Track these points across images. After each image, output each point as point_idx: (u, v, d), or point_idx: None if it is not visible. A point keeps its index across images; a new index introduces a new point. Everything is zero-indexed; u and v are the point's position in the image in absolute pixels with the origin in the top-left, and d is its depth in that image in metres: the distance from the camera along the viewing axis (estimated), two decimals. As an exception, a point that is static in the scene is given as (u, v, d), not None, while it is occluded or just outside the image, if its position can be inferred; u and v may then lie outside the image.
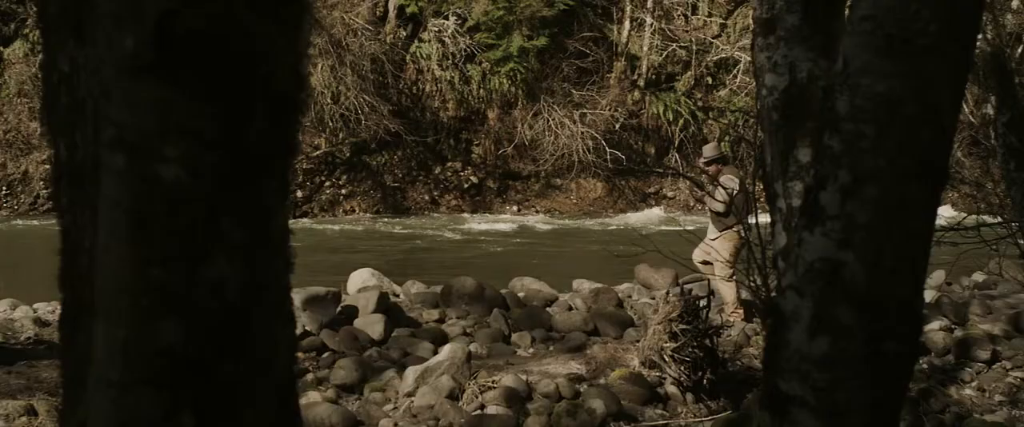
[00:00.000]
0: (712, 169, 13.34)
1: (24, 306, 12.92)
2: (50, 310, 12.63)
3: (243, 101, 1.37)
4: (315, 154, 31.12)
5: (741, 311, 13.13)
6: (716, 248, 13.09)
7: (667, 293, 11.86)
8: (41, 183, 29.25)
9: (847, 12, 2.69)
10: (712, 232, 13.24)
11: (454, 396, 10.16)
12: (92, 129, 2.24)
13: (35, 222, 27.69)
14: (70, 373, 2.33)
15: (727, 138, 34.45)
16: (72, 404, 2.24)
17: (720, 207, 12.91)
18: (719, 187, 13.02)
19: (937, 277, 16.44)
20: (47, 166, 28.31)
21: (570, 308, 13.50)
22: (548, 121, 33.04)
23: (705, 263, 13.54)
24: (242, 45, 1.36)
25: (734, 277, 13.05)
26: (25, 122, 29.91)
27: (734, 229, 12.94)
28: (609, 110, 33.71)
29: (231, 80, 1.36)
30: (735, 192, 13.01)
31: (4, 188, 29.39)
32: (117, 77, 1.40)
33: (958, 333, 13.05)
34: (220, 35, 1.34)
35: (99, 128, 1.95)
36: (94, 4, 1.96)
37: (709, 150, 13.78)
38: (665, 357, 10.75)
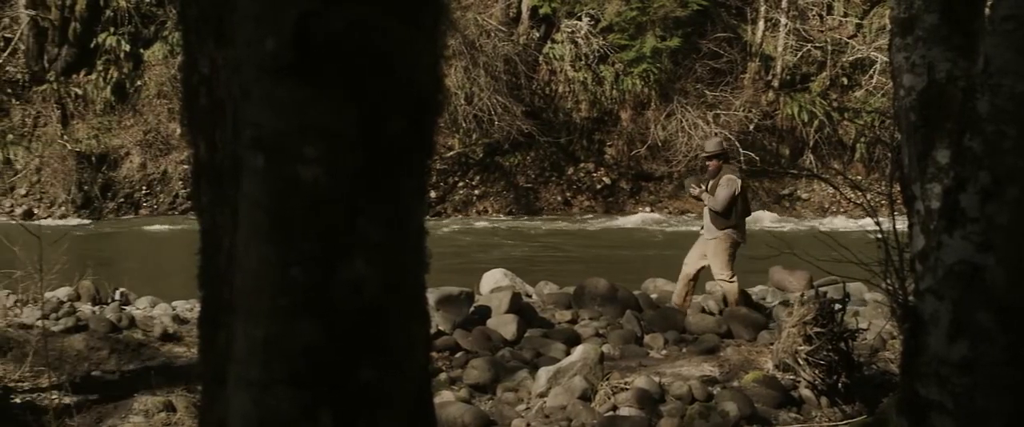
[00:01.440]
0: (712, 165, 13.16)
1: (163, 303, 13.23)
2: (188, 308, 12.90)
3: (381, 102, 1.39)
4: (449, 155, 31.34)
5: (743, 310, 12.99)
6: (713, 249, 12.94)
7: (802, 296, 11.70)
8: (180, 183, 29.90)
9: (987, 11, 2.63)
10: (710, 231, 13.04)
11: (586, 397, 10.15)
12: (231, 130, 2.29)
13: (174, 222, 28.30)
14: (209, 371, 2.38)
15: (863, 140, 33.86)
16: (211, 401, 2.29)
17: (720, 206, 12.76)
18: (721, 186, 12.84)
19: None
20: (186, 166, 28.95)
21: (703, 310, 13.39)
22: (681, 122, 32.83)
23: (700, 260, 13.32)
24: (381, 47, 1.37)
25: (734, 277, 12.93)
26: (164, 123, 30.62)
27: (729, 230, 12.82)
28: (742, 111, 33.39)
29: (369, 81, 1.38)
30: (737, 192, 12.85)
31: (144, 188, 30.10)
32: (257, 78, 1.43)
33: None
34: (359, 37, 1.36)
35: (239, 129, 1.99)
36: (235, 6, 2.00)
37: (711, 145, 13.62)
38: (799, 360, 10.60)
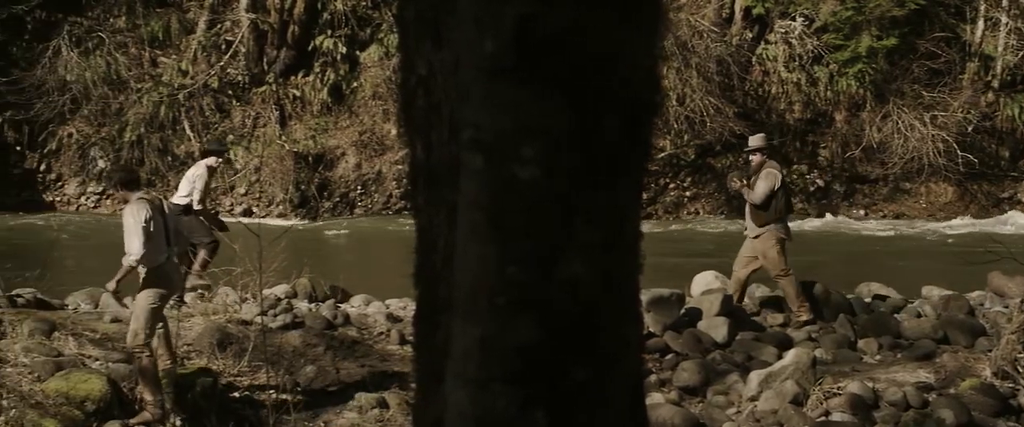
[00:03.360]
0: (756, 159, 12.81)
1: (377, 302, 13.50)
2: (401, 306, 13.15)
3: (599, 103, 1.39)
4: (660, 156, 31.21)
5: (806, 305, 12.54)
6: (760, 248, 12.60)
7: (1022, 302, 11.28)
8: (394, 183, 30.49)
9: None
10: (752, 229, 12.72)
11: (798, 402, 9.99)
12: (448, 130, 2.33)
13: (388, 221, 28.86)
14: (425, 368, 2.43)
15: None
16: (427, 399, 2.33)
17: (759, 199, 12.46)
18: (760, 179, 12.54)
19: None
20: (400, 167, 29.52)
21: (919, 315, 13.02)
22: (897, 123, 31.97)
23: (752, 259, 12.97)
24: (599, 48, 1.38)
25: (790, 272, 12.53)
26: (379, 123, 31.25)
27: (772, 226, 12.48)
28: (961, 112, 32.34)
29: (587, 82, 1.38)
30: (777, 187, 12.55)
31: (359, 188, 30.79)
32: (476, 79, 1.44)
33: None
34: (577, 38, 1.37)
35: (456, 129, 2.02)
36: (453, 8, 2.03)
37: (756, 140, 13.26)
38: (1020, 368, 10.24)
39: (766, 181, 12.54)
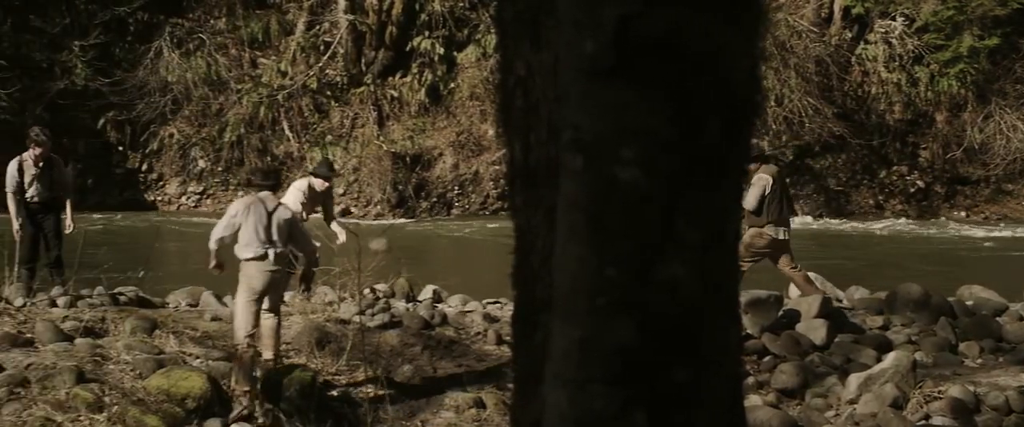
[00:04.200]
0: (751, 168, 12.76)
1: (474, 302, 13.56)
2: (498, 307, 13.19)
3: (699, 104, 1.40)
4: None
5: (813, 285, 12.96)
6: (745, 240, 12.65)
7: None
8: (491, 183, 30.60)
9: None
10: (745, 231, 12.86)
11: (898, 405, 9.86)
12: (547, 131, 2.34)
13: (485, 222, 28.96)
14: (523, 369, 2.44)
15: None
16: (525, 399, 2.34)
17: (751, 205, 12.51)
18: (751, 185, 12.58)
19: None
20: (497, 167, 29.63)
21: (1021, 318, 12.77)
22: (999, 124, 31.44)
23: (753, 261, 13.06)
24: (699, 48, 1.38)
25: (796, 266, 13.01)
26: (477, 124, 31.40)
27: (764, 227, 12.51)
28: (1065, 113, 31.75)
29: (687, 83, 1.38)
30: (768, 192, 12.75)
31: (456, 188, 30.95)
32: (576, 80, 1.45)
33: None
34: (678, 38, 1.37)
35: (555, 130, 2.03)
36: (552, 10, 2.04)
37: None
38: None
39: (756, 187, 12.80)
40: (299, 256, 11.92)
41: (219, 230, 10.07)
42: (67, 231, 13.14)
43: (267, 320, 10.02)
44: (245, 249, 9.84)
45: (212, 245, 10.14)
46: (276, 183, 10.69)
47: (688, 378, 1.47)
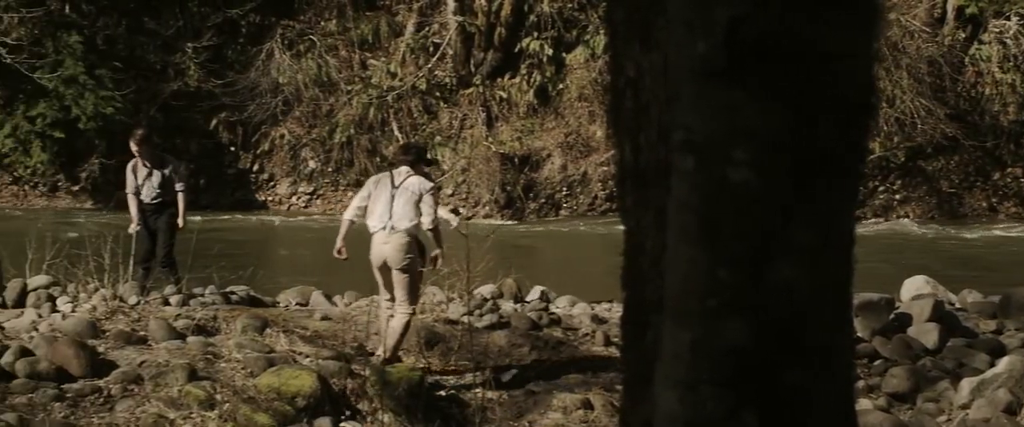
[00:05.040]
0: None
1: (582, 303, 13.56)
2: (606, 308, 13.17)
3: (812, 105, 1.39)
4: (869, 158, 30.53)
5: None
6: None
7: None
8: (599, 185, 30.53)
9: None
10: None
11: (1012, 410, 9.67)
12: (657, 132, 2.34)
13: (593, 223, 28.91)
14: (632, 370, 2.44)
15: None
16: (636, 401, 2.35)
17: None
18: None
19: None
20: (605, 168, 29.55)
21: None
22: (1118, 123, 30.73)
23: None
24: (813, 49, 1.37)
25: None
26: (585, 125, 31.33)
27: None
28: None
29: (800, 84, 1.38)
30: None
31: (564, 189, 30.92)
32: (687, 81, 1.46)
33: None
34: (790, 39, 1.37)
35: (666, 131, 2.03)
36: (662, 10, 2.04)
37: None
38: None
39: None
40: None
41: (350, 210, 10.65)
42: (179, 227, 13.31)
43: (394, 319, 10.24)
44: (368, 221, 10.30)
45: (343, 222, 10.70)
46: (415, 158, 10.70)
47: (800, 381, 1.46)
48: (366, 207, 10.35)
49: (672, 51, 1.52)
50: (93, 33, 31.38)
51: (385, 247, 10.15)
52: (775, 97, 1.38)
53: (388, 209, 10.14)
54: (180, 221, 13.27)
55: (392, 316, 10.22)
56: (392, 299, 10.31)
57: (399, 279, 10.21)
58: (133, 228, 13.17)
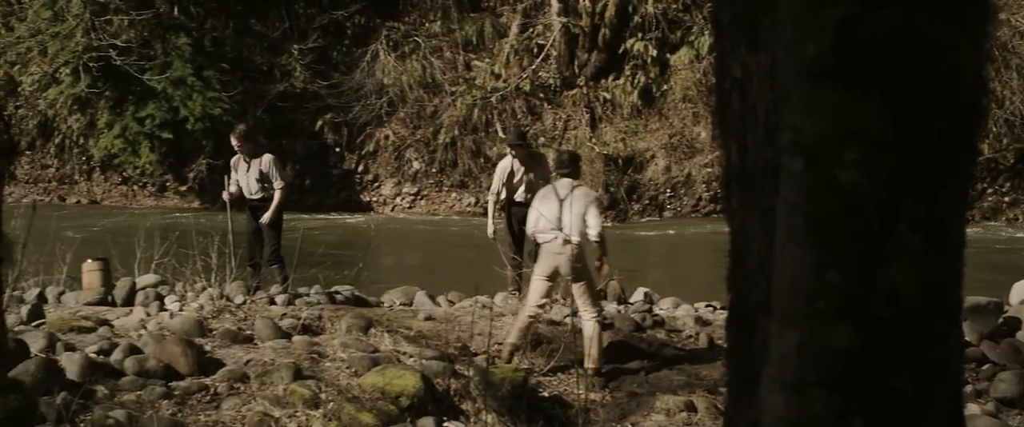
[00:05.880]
0: None
1: (686, 305, 13.49)
2: (710, 310, 13.09)
3: (923, 106, 1.38)
4: (978, 160, 29.92)
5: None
6: None
7: None
8: (703, 186, 30.32)
9: None
10: None
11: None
12: (763, 133, 2.33)
13: (697, 225, 28.74)
14: (738, 372, 2.43)
15: None
16: (741, 404, 2.34)
17: None
18: None
19: None
20: (709, 170, 29.37)
21: None
22: None
23: None
24: (923, 50, 1.36)
25: None
26: (689, 126, 31.14)
27: None
28: None
29: (912, 85, 1.37)
30: None
31: (668, 190, 30.75)
32: (796, 82, 1.45)
33: None
34: (901, 40, 1.36)
35: (774, 132, 2.02)
36: (770, 11, 2.03)
37: None
38: None
39: None
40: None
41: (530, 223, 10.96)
42: (263, 222, 13.40)
43: (584, 328, 10.57)
44: (540, 233, 10.59)
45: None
46: (573, 168, 11.08)
47: (908, 385, 1.45)
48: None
49: (780, 52, 1.52)
50: (201, 35, 31.89)
51: (559, 258, 10.46)
52: (885, 98, 1.37)
53: (558, 220, 10.48)
54: (264, 217, 13.36)
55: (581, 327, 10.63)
56: (543, 306, 10.83)
57: (577, 288, 10.53)
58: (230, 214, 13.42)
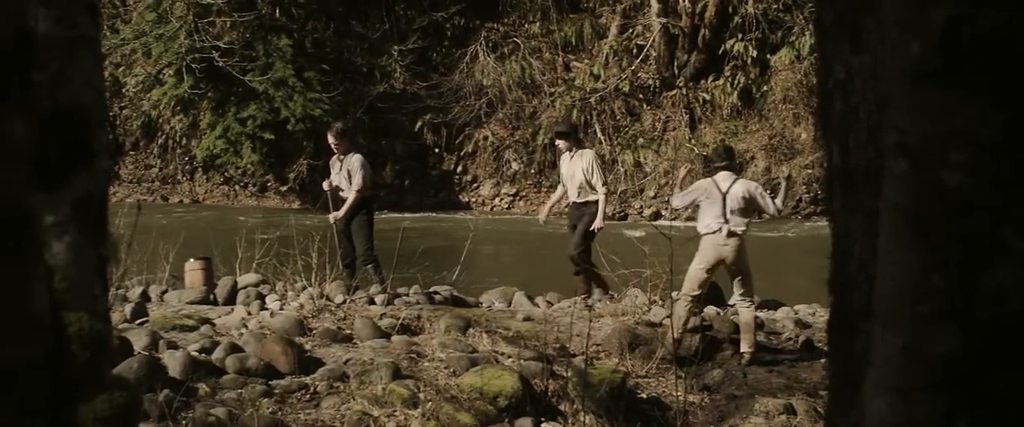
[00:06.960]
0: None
1: (785, 307, 13.41)
2: (810, 312, 13.00)
3: (1031, 107, 1.35)
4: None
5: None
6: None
7: None
8: (803, 187, 30.06)
9: None
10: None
11: None
12: (866, 134, 2.31)
13: (797, 226, 28.50)
14: (840, 375, 2.41)
15: None
16: (843, 407, 2.32)
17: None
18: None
19: None
20: (810, 171, 29.09)
21: None
22: None
23: None
24: (1033, 49, 1.34)
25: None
26: (789, 127, 30.90)
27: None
28: None
29: (1021, 86, 1.35)
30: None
31: (768, 191, 30.49)
32: (900, 83, 1.44)
33: None
34: (1011, 39, 1.34)
35: (878, 133, 2.01)
36: (874, 11, 2.01)
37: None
38: None
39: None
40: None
41: (676, 200, 11.59)
42: (330, 221, 13.43)
43: (742, 314, 11.19)
44: (702, 225, 11.06)
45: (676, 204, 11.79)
46: (731, 161, 11.56)
47: (1014, 388, 1.43)
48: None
49: (884, 52, 1.50)
50: (302, 36, 32.29)
51: (724, 249, 10.92)
52: (993, 99, 1.35)
53: (722, 213, 10.91)
54: (332, 216, 13.36)
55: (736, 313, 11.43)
56: (698, 296, 11.20)
57: (739, 277, 11.14)
58: (331, 217, 13.45)
